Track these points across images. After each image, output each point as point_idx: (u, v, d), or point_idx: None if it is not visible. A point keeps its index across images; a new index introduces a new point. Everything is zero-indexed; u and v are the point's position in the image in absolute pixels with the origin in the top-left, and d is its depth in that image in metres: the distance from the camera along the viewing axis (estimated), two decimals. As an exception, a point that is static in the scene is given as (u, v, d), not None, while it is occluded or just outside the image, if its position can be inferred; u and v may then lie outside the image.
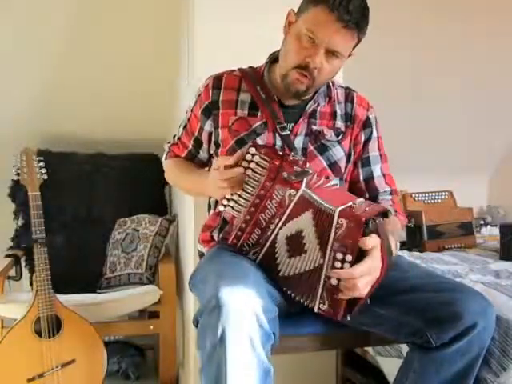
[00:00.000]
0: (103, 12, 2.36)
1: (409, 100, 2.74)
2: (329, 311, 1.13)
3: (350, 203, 1.15)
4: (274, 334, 1.11)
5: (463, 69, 2.74)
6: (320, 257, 1.14)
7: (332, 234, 1.11)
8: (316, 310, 1.15)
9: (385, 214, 1.16)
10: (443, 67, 2.69)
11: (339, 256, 1.10)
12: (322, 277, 1.13)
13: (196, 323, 1.11)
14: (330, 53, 1.23)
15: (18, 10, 2.31)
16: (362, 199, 1.21)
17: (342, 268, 1.10)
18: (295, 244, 1.19)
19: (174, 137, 1.56)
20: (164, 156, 1.59)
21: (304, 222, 1.18)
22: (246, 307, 1.04)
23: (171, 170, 1.56)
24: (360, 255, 1.09)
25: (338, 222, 1.11)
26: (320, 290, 1.13)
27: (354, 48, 1.29)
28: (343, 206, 1.12)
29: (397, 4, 2.44)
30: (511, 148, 3.17)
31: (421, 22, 2.53)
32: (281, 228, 1.20)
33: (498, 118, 2.99)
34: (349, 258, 1.09)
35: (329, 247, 1.12)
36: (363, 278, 1.07)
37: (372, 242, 1.08)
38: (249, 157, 1.21)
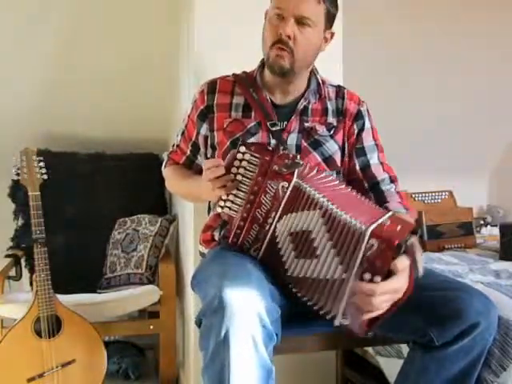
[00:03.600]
0: (103, 12, 2.36)
1: (409, 100, 2.74)
2: (351, 327, 1.10)
3: (380, 220, 1.10)
4: (276, 334, 1.11)
5: (463, 69, 2.74)
6: (342, 270, 1.11)
7: (361, 253, 1.07)
8: (337, 323, 1.12)
9: (413, 231, 1.11)
10: (443, 67, 2.69)
11: (367, 276, 1.06)
12: (347, 293, 1.09)
13: (199, 323, 1.11)
14: (300, 22, 1.28)
15: (18, 10, 2.31)
16: (389, 213, 1.15)
17: None
18: (303, 244, 1.17)
19: (173, 145, 1.58)
20: (164, 165, 1.62)
21: (311, 222, 1.16)
22: (249, 308, 1.04)
23: (170, 177, 1.59)
24: (387, 276, 1.05)
25: (367, 242, 1.06)
26: (343, 305, 1.10)
27: (328, 20, 1.33)
28: (374, 225, 1.08)
29: (398, 5, 2.45)
30: (511, 148, 3.17)
31: (420, 22, 2.53)
32: (278, 221, 1.20)
33: (498, 118, 2.99)
34: (377, 279, 1.05)
35: (356, 266, 1.08)
36: (383, 296, 1.05)
37: (403, 264, 1.06)
38: (240, 156, 1.22)
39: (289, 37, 1.28)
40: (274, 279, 1.22)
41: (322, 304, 1.15)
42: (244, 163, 1.21)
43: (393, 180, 1.46)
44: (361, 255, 1.07)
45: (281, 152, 1.22)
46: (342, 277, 1.11)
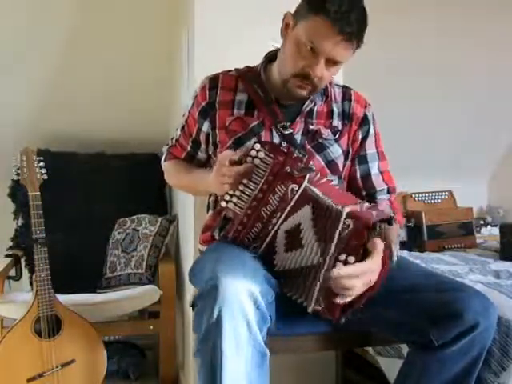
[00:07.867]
0: (104, 13, 2.36)
1: (409, 100, 2.74)
2: (324, 312, 1.11)
3: (357, 205, 1.14)
4: (270, 316, 1.10)
5: (463, 69, 2.74)
6: (319, 255, 1.13)
7: (337, 234, 1.10)
8: (310, 310, 1.13)
9: (389, 221, 1.14)
10: (443, 67, 2.69)
11: (342, 257, 1.08)
12: (321, 277, 1.11)
13: (193, 307, 1.10)
14: (331, 62, 1.24)
15: (18, 9, 2.31)
16: (367, 204, 1.19)
17: None
18: (293, 237, 1.18)
19: (172, 139, 1.57)
20: (163, 158, 1.60)
21: (303, 216, 1.17)
22: (243, 288, 1.03)
23: (171, 171, 1.57)
24: (362, 258, 1.08)
25: (344, 223, 1.09)
26: (317, 291, 1.12)
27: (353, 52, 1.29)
28: (351, 207, 1.11)
29: (398, 5, 2.44)
30: (511, 148, 3.17)
31: (420, 22, 2.53)
32: (282, 223, 1.19)
33: (498, 118, 2.99)
34: (351, 259, 1.07)
35: (332, 247, 1.10)
36: (362, 277, 1.06)
37: (379, 245, 1.08)
38: (253, 153, 1.20)
39: (315, 77, 1.26)
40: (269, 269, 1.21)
41: (299, 293, 1.16)
42: (256, 161, 1.20)
43: (390, 191, 1.45)
44: (337, 234, 1.09)
45: (295, 155, 1.21)
46: (319, 261, 1.13)
